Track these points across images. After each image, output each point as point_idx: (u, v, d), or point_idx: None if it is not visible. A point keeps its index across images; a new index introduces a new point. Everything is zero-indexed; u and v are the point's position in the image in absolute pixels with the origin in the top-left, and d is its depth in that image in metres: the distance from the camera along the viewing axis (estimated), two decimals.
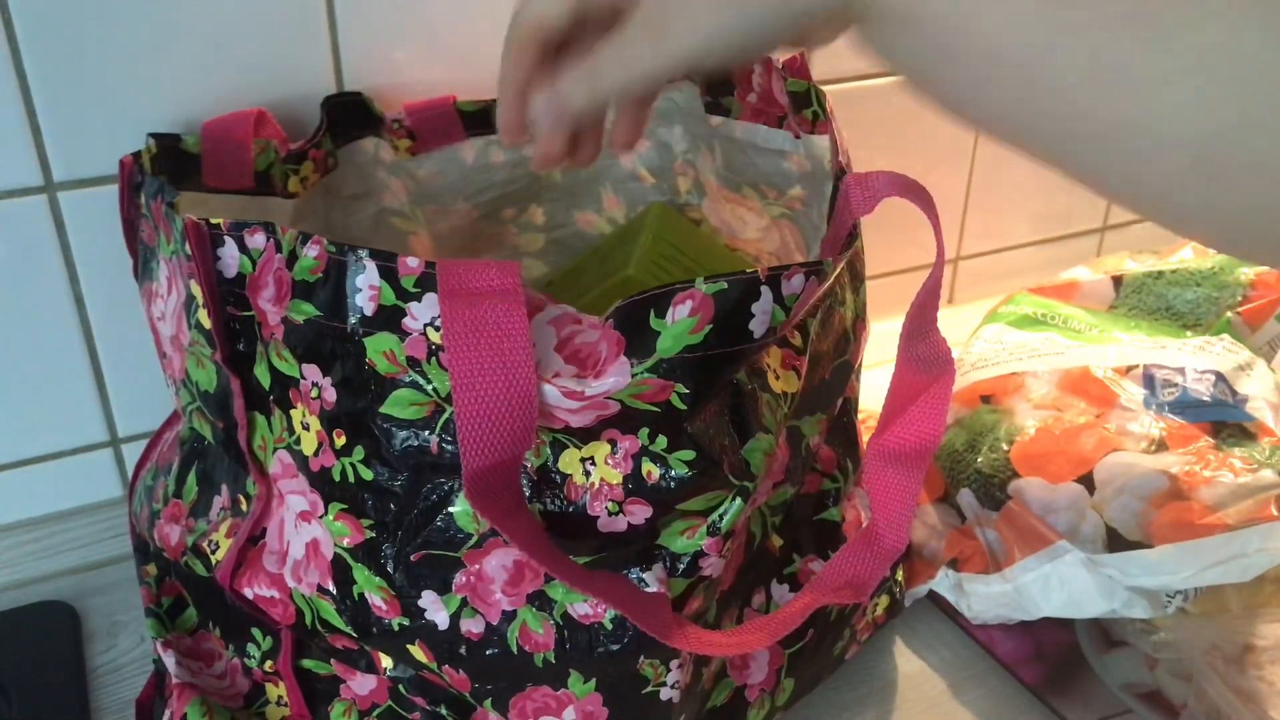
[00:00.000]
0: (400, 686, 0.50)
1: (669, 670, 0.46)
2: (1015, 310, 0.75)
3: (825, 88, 0.58)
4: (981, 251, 0.96)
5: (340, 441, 0.44)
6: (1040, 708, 0.58)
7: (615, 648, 0.45)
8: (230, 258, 0.44)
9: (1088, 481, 0.59)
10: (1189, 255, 0.78)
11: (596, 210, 0.71)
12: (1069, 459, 0.60)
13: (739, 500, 0.45)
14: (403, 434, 0.43)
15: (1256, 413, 0.62)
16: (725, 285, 0.40)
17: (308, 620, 0.48)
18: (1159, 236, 1.03)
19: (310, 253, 0.42)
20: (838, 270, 0.46)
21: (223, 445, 0.50)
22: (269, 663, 0.54)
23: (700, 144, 0.68)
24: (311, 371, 0.44)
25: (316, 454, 0.45)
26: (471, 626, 0.45)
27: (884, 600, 0.59)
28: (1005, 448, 0.63)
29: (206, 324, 0.45)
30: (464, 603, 0.45)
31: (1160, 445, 0.60)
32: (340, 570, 0.45)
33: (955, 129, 0.87)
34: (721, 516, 0.45)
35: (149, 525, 0.54)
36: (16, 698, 0.57)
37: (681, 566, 0.46)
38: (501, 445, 0.39)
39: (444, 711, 0.50)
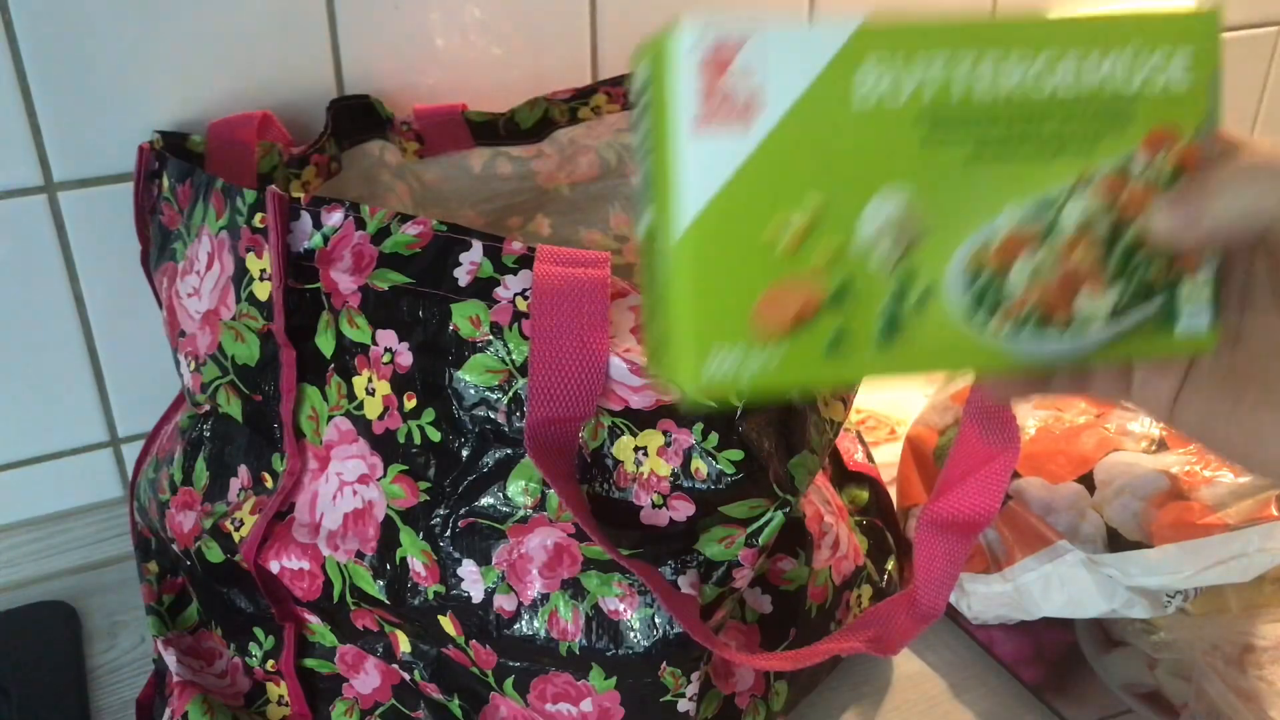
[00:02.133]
0: (415, 673, 0.50)
1: (689, 682, 0.46)
2: None
3: None
4: None
5: (410, 404, 0.46)
6: (1040, 708, 0.58)
7: (639, 650, 0.45)
8: (301, 232, 0.46)
9: (1088, 481, 0.59)
10: None
11: (603, 230, 0.71)
12: (1069, 459, 0.60)
13: (779, 514, 0.46)
14: (475, 398, 0.45)
15: None
16: None
17: (336, 592, 0.48)
18: None
19: (411, 230, 0.44)
20: None
21: (250, 422, 0.51)
22: (270, 662, 0.54)
23: None
24: (386, 337, 0.46)
25: (381, 417, 0.47)
26: (504, 604, 0.46)
27: (867, 590, 0.59)
28: None
29: (263, 296, 0.47)
30: (501, 578, 0.46)
31: (1160, 445, 0.60)
32: (388, 533, 0.47)
33: None
34: (761, 529, 0.46)
35: (159, 516, 0.54)
36: (16, 698, 0.57)
37: (716, 575, 0.46)
38: (566, 398, 0.42)
39: (458, 702, 0.50)
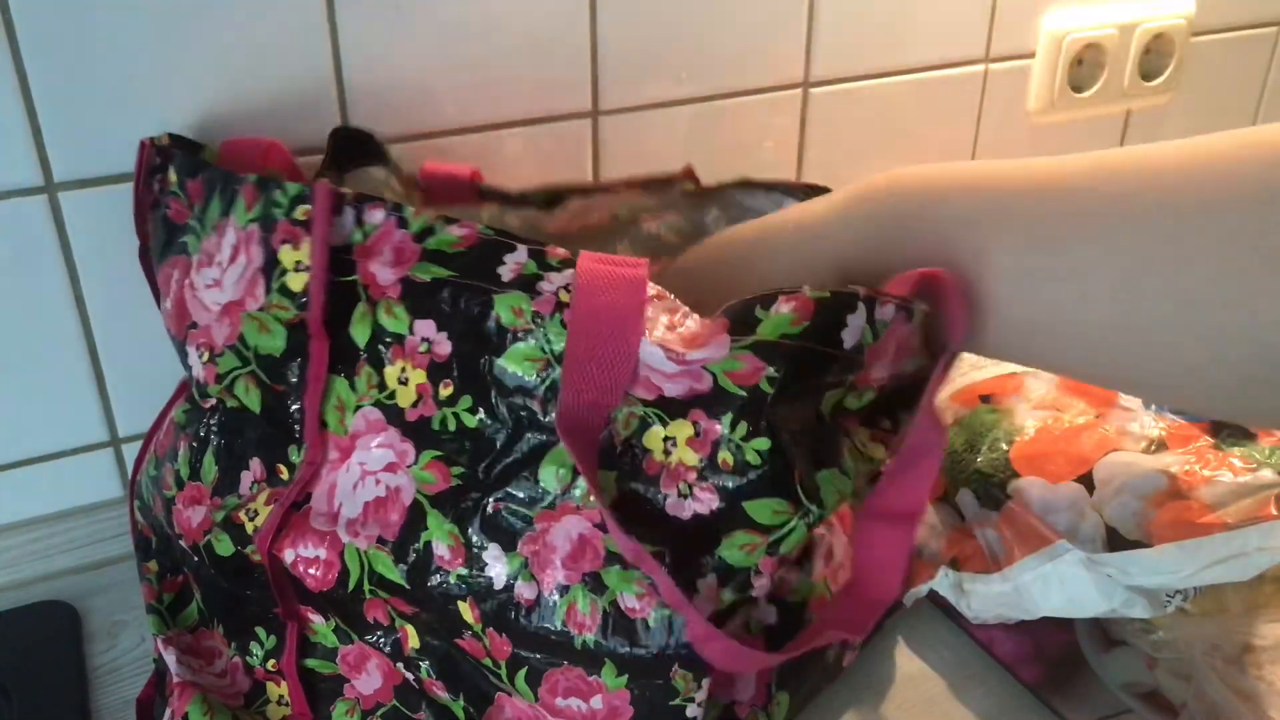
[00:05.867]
0: (421, 670, 0.50)
1: (699, 687, 0.46)
2: None
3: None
4: None
5: (446, 392, 0.47)
6: (1040, 708, 0.58)
7: (653, 650, 0.45)
8: (342, 227, 0.47)
9: (1087, 481, 0.59)
10: None
11: None
12: (1068, 459, 0.60)
13: (803, 524, 0.46)
14: (513, 385, 0.46)
15: None
16: (828, 294, 0.44)
17: (352, 580, 0.49)
18: None
19: (456, 232, 0.46)
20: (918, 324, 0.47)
21: (267, 413, 0.51)
22: (272, 661, 0.54)
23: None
24: (424, 327, 0.47)
25: (415, 405, 0.48)
26: (525, 592, 0.46)
27: None
28: (1005, 448, 0.63)
29: (296, 287, 0.48)
30: (524, 565, 0.46)
31: (1160, 445, 0.60)
32: (414, 517, 0.47)
33: (954, 129, 0.87)
34: (783, 538, 0.46)
35: (165, 513, 0.54)
36: (16, 698, 0.57)
37: (734, 581, 0.46)
38: (597, 385, 0.44)
39: (462, 703, 0.50)
